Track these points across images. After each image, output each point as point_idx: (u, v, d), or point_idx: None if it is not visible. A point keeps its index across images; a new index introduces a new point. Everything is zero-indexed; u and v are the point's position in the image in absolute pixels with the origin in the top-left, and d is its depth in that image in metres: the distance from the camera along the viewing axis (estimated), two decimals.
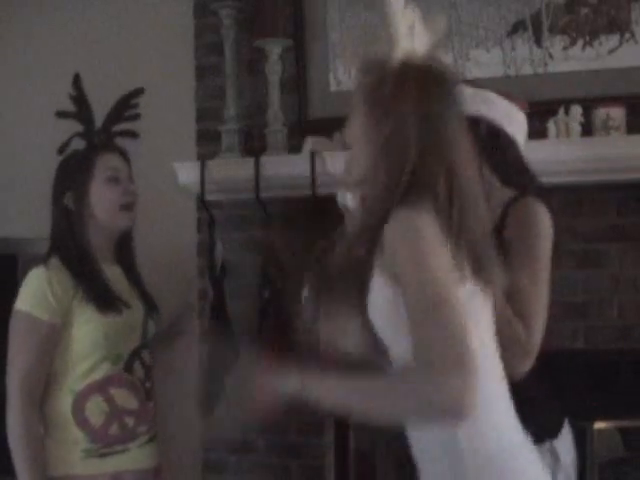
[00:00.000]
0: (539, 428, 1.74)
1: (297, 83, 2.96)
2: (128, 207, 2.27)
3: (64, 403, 2.17)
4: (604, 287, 2.67)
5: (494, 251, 1.55)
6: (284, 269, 2.72)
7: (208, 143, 3.05)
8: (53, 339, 2.15)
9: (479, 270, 1.49)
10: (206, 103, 3.09)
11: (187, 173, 2.86)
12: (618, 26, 2.63)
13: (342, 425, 2.95)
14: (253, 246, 2.98)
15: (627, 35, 2.62)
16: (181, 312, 2.56)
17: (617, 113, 2.52)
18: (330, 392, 1.47)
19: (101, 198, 2.24)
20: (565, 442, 1.99)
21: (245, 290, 2.94)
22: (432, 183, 1.46)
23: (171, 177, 2.91)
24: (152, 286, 2.43)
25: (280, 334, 2.69)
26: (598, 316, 2.67)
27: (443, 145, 1.50)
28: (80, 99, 2.63)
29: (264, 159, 2.77)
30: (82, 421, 2.17)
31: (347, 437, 2.96)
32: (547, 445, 1.91)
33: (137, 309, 2.29)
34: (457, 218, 1.46)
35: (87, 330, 2.17)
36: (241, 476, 3.05)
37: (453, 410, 1.34)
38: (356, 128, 1.58)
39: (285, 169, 2.76)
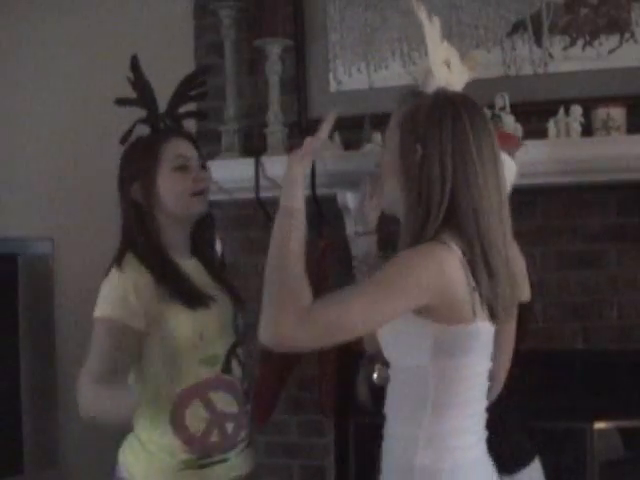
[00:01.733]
0: (497, 461, 1.79)
1: (297, 83, 2.96)
2: (200, 193, 2.09)
3: (163, 410, 1.99)
4: (604, 287, 2.66)
5: (512, 286, 1.62)
6: None
7: (208, 143, 3.05)
8: (134, 343, 1.95)
9: (495, 310, 1.57)
10: (206, 103, 3.08)
11: None
12: (618, 26, 2.63)
13: (343, 425, 2.95)
14: (253, 246, 2.98)
15: (627, 35, 2.62)
16: None
17: (617, 113, 2.52)
18: (275, 233, 1.61)
19: (170, 188, 2.04)
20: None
21: (245, 290, 2.93)
22: (462, 221, 1.54)
23: None
24: None
25: None
26: (598, 316, 2.67)
27: (474, 179, 1.54)
28: (140, 84, 2.40)
29: (264, 159, 2.77)
30: (182, 430, 1.98)
31: (347, 437, 2.96)
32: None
33: (224, 303, 2.11)
34: (482, 256, 1.53)
35: (179, 329, 1.99)
36: None
37: (280, 337, 1.50)
38: (390, 155, 1.63)
39: (285, 169, 2.75)
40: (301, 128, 2.94)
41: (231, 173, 2.83)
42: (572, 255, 2.70)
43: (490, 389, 1.73)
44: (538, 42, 2.71)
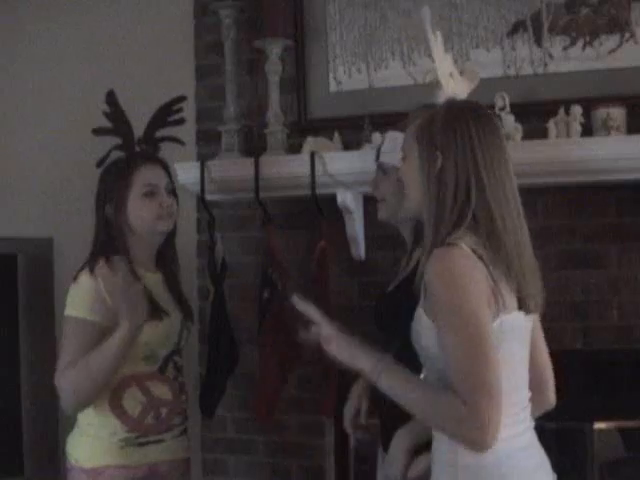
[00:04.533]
0: None
1: (297, 83, 2.96)
2: (165, 217, 2.32)
3: (102, 395, 2.21)
4: (604, 287, 2.66)
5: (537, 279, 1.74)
6: (284, 269, 2.72)
7: (208, 143, 3.05)
8: (102, 338, 2.17)
9: (521, 298, 1.66)
10: (206, 103, 3.09)
11: (187, 173, 2.86)
12: (618, 26, 2.63)
13: (342, 426, 2.95)
14: (253, 246, 2.98)
15: (627, 35, 2.62)
16: None
17: (617, 113, 2.52)
18: (392, 388, 1.65)
19: (138, 212, 2.29)
20: None
21: (245, 290, 2.94)
22: (478, 222, 1.62)
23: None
24: None
25: (280, 334, 2.69)
26: (598, 316, 2.67)
27: (489, 180, 1.63)
28: (116, 115, 2.70)
29: (264, 159, 2.77)
30: (119, 411, 2.22)
31: (347, 438, 2.96)
32: None
33: (175, 317, 2.34)
34: (498, 250, 1.62)
35: None
36: (241, 476, 3.05)
37: (473, 445, 1.55)
38: (410, 167, 1.73)
39: (285, 169, 2.75)
40: (301, 128, 2.94)
41: (231, 173, 2.83)
42: (572, 255, 2.69)
43: (543, 396, 1.81)
44: (538, 42, 2.71)
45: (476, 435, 1.52)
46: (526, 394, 1.73)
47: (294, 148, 2.85)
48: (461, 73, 2.28)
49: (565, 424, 2.73)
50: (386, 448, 2.12)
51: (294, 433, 2.97)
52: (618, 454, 2.79)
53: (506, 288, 1.62)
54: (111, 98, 2.77)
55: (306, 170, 2.68)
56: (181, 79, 3.12)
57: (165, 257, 2.40)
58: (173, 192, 2.38)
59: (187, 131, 3.08)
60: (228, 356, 2.74)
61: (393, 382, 1.65)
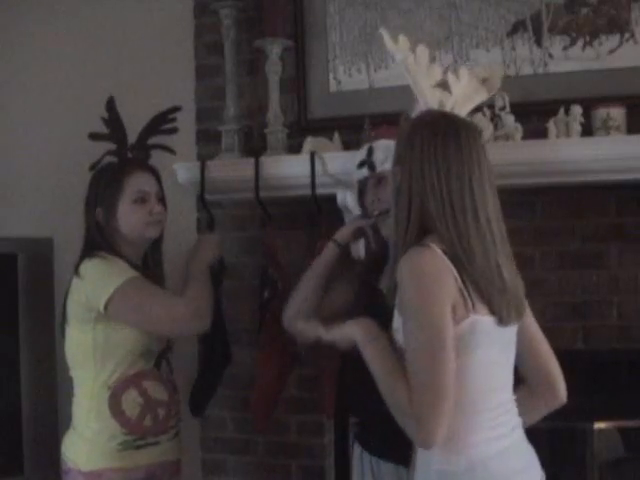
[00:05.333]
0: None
1: (297, 83, 2.96)
2: (154, 224, 2.40)
3: (100, 397, 2.27)
4: (604, 287, 2.66)
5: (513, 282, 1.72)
6: (284, 269, 2.72)
7: (208, 143, 3.05)
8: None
9: (490, 301, 1.65)
10: (206, 103, 3.09)
11: (187, 173, 2.86)
12: (618, 26, 2.63)
13: (342, 425, 2.95)
14: (253, 246, 2.98)
15: (627, 35, 2.62)
16: None
17: (617, 113, 2.52)
18: (370, 360, 1.70)
19: (127, 218, 2.36)
20: None
21: (245, 290, 2.94)
22: (437, 228, 1.65)
23: (171, 177, 2.90)
24: None
25: (279, 334, 2.69)
26: (598, 316, 2.67)
27: (448, 190, 1.66)
28: (114, 121, 2.76)
29: (264, 159, 2.77)
30: (119, 414, 2.27)
31: (347, 437, 2.96)
32: None
33: None
34: (464, 255, 1.64)
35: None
36: (241, 476, 3.05)
37: (416, 441, 1.61)
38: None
39: (285, 169, 2.75)
40: (301, 128, 2.94)
41: (231, 173, 2.83)
42: (572, 255, 2.70)
43: (553, 389, 1.83)
44: (538, 42, 2.71)
45: (418, 433, 1.56)
46: (507, 398, 1.73)
47: (294, 148, 2.85)
48: (483, 80, 2.27)
49: (565, 424, 2.73)
50: (365, 447, 2.12)
51: (294, 433, 2.97)
52: (618, 454, 2.79)
53: (475, 291, 1.64)
54: (110, 104, 2.79)
55: (306, 170, 2.67)
56: (181, 79, 3.12)
57: (151, 258, 2.49)
58: (162, 200, 2.45)
59: (187, 131, 3.08)
60: (221, 356, 2.74)
61: (373, 355, 1.70)
